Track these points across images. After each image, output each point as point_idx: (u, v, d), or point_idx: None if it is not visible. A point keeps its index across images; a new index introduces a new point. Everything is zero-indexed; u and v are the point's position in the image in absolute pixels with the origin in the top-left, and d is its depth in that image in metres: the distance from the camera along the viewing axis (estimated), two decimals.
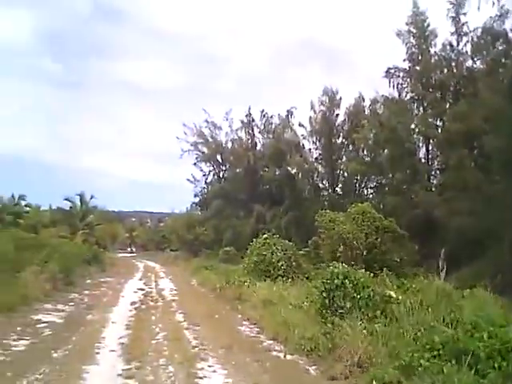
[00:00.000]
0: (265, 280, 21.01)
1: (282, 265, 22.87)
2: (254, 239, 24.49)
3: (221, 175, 49.53)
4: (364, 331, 8.68)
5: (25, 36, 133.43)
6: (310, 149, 42.72)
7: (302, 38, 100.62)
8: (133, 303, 16.11)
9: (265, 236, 23.98)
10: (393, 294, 11.01)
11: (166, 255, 57.45)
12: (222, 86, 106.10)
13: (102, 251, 34.89)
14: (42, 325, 10.84)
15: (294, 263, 23.34)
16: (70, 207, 54.35)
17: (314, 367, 8.38)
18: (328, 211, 25.53)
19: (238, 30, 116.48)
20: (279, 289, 16.94)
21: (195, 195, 50.05)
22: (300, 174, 41.84)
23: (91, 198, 54.58)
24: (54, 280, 17.07)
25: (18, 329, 10.08)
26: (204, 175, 49.14)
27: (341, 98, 40.32)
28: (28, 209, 54.83)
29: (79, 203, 54.44)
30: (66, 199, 53.90)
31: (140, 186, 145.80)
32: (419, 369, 6.60)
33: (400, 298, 10.84)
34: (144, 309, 14.95)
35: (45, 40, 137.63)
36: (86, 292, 18.22)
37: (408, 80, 33.49)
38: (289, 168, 42.20)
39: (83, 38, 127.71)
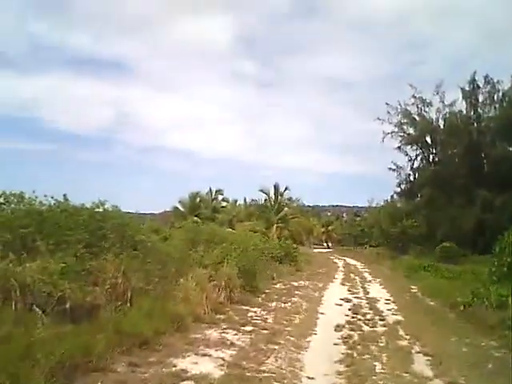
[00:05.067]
0: None
1: None
2: (505, 232, 17.03)
3: (430, 159, 41.41)
4: None
5: (226, 39, 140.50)
6: None
7: None
8: (338, 328, 10.60)
9: None
10: None
11: (367, 251, 51.43)
12: (425, 72, 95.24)
13: (295, 247, 30.29)
14: None
15: None
16: (265, 200, 52.31)
17: None
18: None
19: (438, 11, 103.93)
20: None
21: (399, 184, 42.78)
22: None
23: (285, 190, 51.84)
24: (230, 287, 12.47)
25: None
26: (409, 160, 41.49)
27: None
28: (225, 203, 54.56)
29: (273, 196, 52.09)
30: (260, 190, 52.05)
31: (336, 181, 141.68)
32: None
33: None
34: (357, 342, 9.25)
35: (244, 42, 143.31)
36: (272, 305, 13.29)
37: None
38: None
39: (280, 37, 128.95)
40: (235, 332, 9.30)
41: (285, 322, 10.78)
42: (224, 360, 7.21)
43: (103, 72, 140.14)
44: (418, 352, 8.59)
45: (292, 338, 9.15)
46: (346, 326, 10.92)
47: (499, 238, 16.60)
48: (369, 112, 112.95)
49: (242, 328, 9.72)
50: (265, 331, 9.61)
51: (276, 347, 8.32)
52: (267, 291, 15.75)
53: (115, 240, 10.12)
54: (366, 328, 10.84)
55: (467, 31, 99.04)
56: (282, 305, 13.46)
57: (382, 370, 7.29)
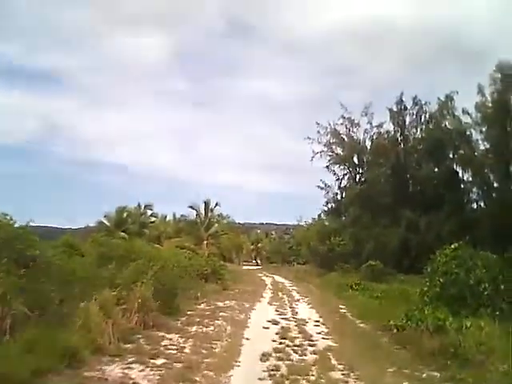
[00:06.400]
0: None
1: (485, 289, 14.96)
2: (437, 251, 16.66)
3: (357, 178, 41.94)
4: None
5: (161, 57, 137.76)
6: (477, 139, 33.84)
7: (439, 39, 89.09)
8: (264, 357, 9.34)
9: (454, 246, 16.05)
10: None
11: (294, 269, 51.12)
12: (354, 96, 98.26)
13: (222, 264, 28.93)
14: None
15: (502, 287, 15.23)
16: (197, 215, 50.60)
17: None
18: None
19: (365, 38, 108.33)
20: None
21: (327, 202, 43.05)
22: (466, 171, 33.18)
23: (215, 206, 50.59)
24: (144, 311, 10.93)
25: None
26: (337, 179, 42.01)
27: None
28: (154, 219, 52.05)
29: (203, 212, 50.59)
30: (190, 206, 50.36)
31: (265, 199, 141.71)
32: None
33: None
34: (286, 375, 8.02)
35: (179, 61, 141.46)
36: (192, 329, 11.82)
37: None
38: (451, 163, 33.79)
39: (214, 57, 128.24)
40: (142, 367, 7.78)
41: (204, 352, 9.39)
42: None
43: (34, 83, 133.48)
44: None
45: (210, 373, 7.79)
46: (273, 354, 9.70)
47: (432, 257, 16.19)
48: (299, 133, 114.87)
49: (152, 361, 8.21)
50: (179, 365, 8.16)
51: None
52: (189, 313, 14.31)
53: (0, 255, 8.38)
54: (294, 356, 9.70)
55: (394, 59, 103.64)
56: (204, 329, 12.04)
57: None
